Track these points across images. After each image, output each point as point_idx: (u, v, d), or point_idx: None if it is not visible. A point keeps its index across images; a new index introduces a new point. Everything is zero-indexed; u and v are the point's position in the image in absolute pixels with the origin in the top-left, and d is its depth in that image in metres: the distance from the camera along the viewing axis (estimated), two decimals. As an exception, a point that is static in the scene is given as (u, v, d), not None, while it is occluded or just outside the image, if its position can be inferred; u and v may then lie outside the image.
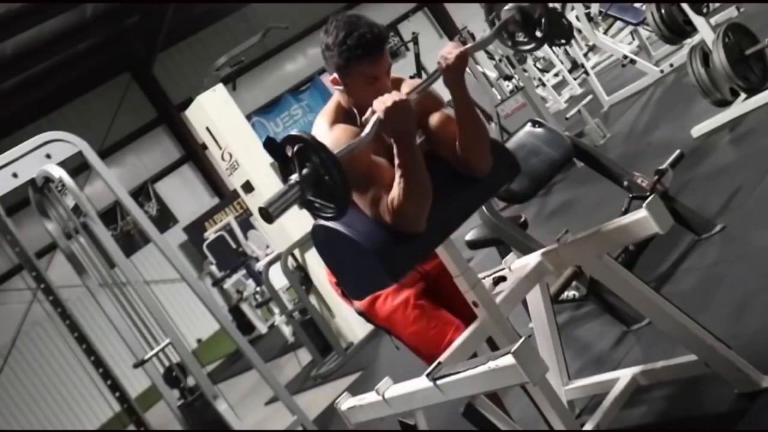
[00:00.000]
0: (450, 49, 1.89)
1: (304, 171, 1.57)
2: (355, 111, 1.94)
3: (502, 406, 2.15)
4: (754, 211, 3.00)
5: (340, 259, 1.95)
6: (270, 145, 1.59)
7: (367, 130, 1.73)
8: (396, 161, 1.77)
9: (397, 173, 1.77)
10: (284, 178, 1.61)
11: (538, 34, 2.13)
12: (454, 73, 1.88)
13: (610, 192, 3.51)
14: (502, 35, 2.18)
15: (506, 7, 2.13)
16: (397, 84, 2.02)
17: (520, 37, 2.18)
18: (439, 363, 1.83)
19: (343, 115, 1.95)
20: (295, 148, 1.58)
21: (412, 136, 1.79)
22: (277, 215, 1.55)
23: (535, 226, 4.43)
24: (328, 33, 1.86)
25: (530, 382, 1.61)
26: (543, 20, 2.09)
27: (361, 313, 2.21)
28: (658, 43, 7.33)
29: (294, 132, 1.59)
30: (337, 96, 1.99)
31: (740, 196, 3.23)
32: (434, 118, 2.00)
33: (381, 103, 1.73)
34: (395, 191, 1.77)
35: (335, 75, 1.91)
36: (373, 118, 1.74)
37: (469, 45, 1.97)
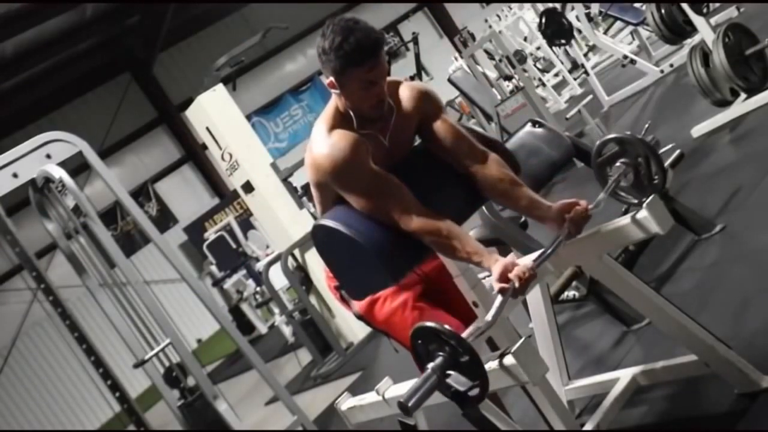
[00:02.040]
0: (579, 218, 1.91)
1: (439, 359, 1.57)
2: (352, 114, 1.93)
3: (502, 406, 2.15)
4: (754, 211, 3.00)
5: (340, 259, 1.95)
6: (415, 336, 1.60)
7: (494, 309, 1.70)
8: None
9: (441, 238, 1.80)
10: (421, 367, 1.61)
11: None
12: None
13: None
14: (617, 194, 2.15)
15: (617, 164, 2.11)
16: (394, 87, 2.02)
17: (631, 193, 2.14)
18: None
19: (341, 120, 1.95)
20: (428, 340, 1.59)
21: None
22: (417, 408, 1.55)
23: (535, 227, 4.42)
24: (325, 37, 1.86)
25: (530, 382, 1.61)
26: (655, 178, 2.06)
27: (359, 317, 2.20)
28: (658, 43, 7.33)
29: (428, 323, 1.58)
30: (334, 100, 1.99)
31: (740, 196, 3.23)
32: (437, 126, 2.00)
33: (516, 277, 1.72)
34: (417, 227, 1.80)
35: (332, 79, 1.90)
36: (501, 297, 1.72)
37: (591, 207, 1.95)
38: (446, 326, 1.55)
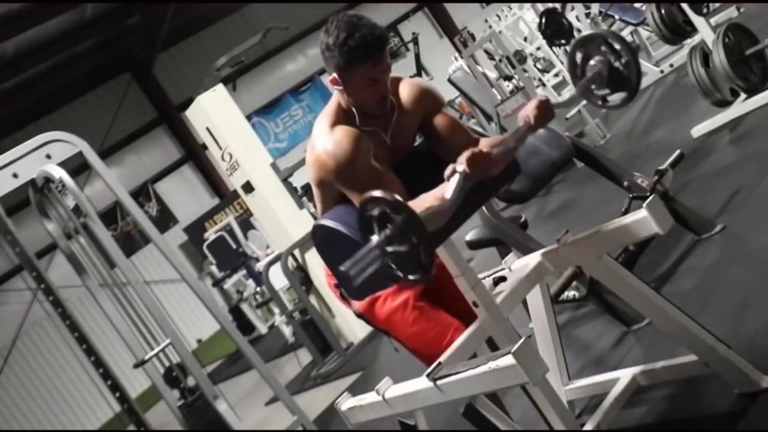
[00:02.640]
0: (534, 110, 1.90)
1: (386, 233, 1.53)
2: (354, 111, 1.93)
3: (502, 406, 2.15)
4: (754, 211, 3.00)
5: (341, 260, 1.94)
6: (362, 208, 1.56)
7: (451, 190, 1.69)
8: (448, 192, 1.72)
9: (430, 198, 1.75)
10: (365, 240, 1.56)
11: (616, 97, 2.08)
12: (538, 130, 1.92)
13: (610, 192, 3.52)
14: (590, 93, 2.12)
15: (592, 62, 2.08)
16: (395, 83, 2.02)
17: (607, 92, 2.12)
18: (439, 363, 1.83)
19: (343, 116, 1.95)
20: (376, 211, 1.54)
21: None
22: (358, 279, 1.51)
23: (535, 226, 4.43)
24: (329, 33, 1.85)
25: (530, 383, 1.61)
26: (630, 77, 2.04)
27: (360, 315, 2.20)
28: (658, 44, 7.33)
29: (375, 193, 1.54)
30: (336, 96, 1.98)
31: (740, 196, 3.23)
32: (439, 122, 2.01)
33: (464, 158, 1.72)
34: (420, 207, 1.77)
35: (335, 75, 1.90)
36: (456, 177, 1.71)
37: (555, 102, 1.95)
38: (395, 196, 1.52)
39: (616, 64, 2.04)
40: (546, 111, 1.92)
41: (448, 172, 1.74)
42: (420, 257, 1.52)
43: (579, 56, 2.11)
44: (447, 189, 1.70)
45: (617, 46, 2.03)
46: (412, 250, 1.52)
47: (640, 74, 2.05)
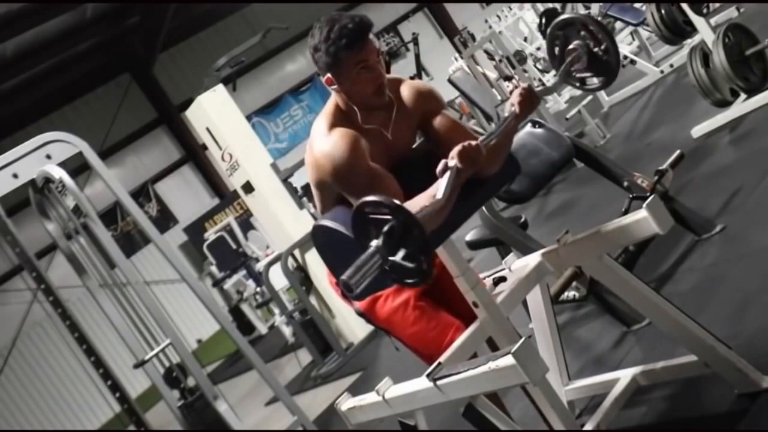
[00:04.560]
0: (518, 98, 1.90)
1: (384, 237, 1.50)
2: (355, 108, 1.94)
3: (502, 406, 2.15)
4: (754, 211, 3.01)
5: (341, 260, 1.94)
6: (357, 215, 1.54)
7: (443, 187, 1.66)
8: (440, 190, 1.69)
9: (424, 198, 1.73)
10: (363, 247, 1.54)
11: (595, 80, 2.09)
12: (525, 117, 1.92)
13: (610, 192, 3.52)
14: (570, 77, 2.14)
15: (570, 46, 2.10)
16: (396, 84, 2.03)
17: (588, 75, 2.13)
18: (439, 363, 1.83)
19: (341, 117, 1.95)
20: (372, 213, 1.52)
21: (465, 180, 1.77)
22: (360, 287, 1.48)
23: (535, 227, 4.43)
24: (313, 36, 1.89)
25: (530, 383, 1.61)
26: (609, 59, 2.06)
27: (360, 314, 2.21)
28: (658, 44, 7.33)
29: (374, 197, 1.52)
30: (334, 97, 1.99)
31: (740, 196, 3.23)
32: (437, 121, 2.01)
33: (455, 152, 1.71)
34: (415, 208, 1.76)
35: (328, 75, 1.91)
36: (448, 173, 1.69)
37: (539, 89, 1.95)
38: (393, 200, 1.51)
39: (596, 49, 2.07)
40: (530, 97, 1.92)
41: (440, 168, 1.72)
42: (421, 261, 1.50)
43: (558, 39, 2.15)
44: (439, 187, 1.68)
45: (595, 31, 2.06)
46: (412, 254, 1.50)
47: (618, 58, 2.08)
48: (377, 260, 1.50)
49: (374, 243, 1.51)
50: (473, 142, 1.75)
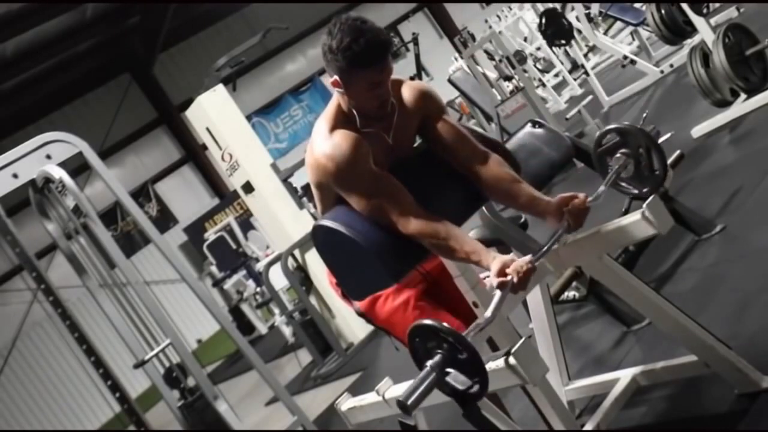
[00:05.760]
0: (578, 210, 1.89)
1: (437, 357, 1.54)
2: (355, 113, 1.93)
3: (502, 406, 2.15)
4: (754, 211, 3.01)
5: (341, 260, 1.95)
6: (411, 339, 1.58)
7: (494, 305, 1.69)
8: (491, 308, 1.71)
9: (439, 240, 1.79)
10: (419, 365, 1.58)
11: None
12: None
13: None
14: (618, 186, 2.12)
15: (617, 155, 2.08)
16: (396, 86, 2.02)
17: (632, 184, 2.12)
18: (440, 363, 1.83)
19: (343, 119, 1.95)
20: (425, 338, 1.56)
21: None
22: (415, 407, 1.52)
23: (535, 227, 4.42)
24: (332, 36, 1.83)
25: (530, 383, 1.61)
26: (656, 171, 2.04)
27: (361, 314, 2.21)
28: (658, 44, 7.34)
29: (426, 321, 1.56)
30: (336, 98, 1.98)
31: (740, 196, 3.23)
32: (440, 129, 2.00)
33: (514, 272, 1.71)
34: (419, 226, 1.80)
35: (336, 78, 1.89)
36: (500, 292, 1.70)
37: (590, 201, 1.92)
38: (444, 324, 1.53)
39: (644, 164, 2.05)
40: (583, 215, 1.90)
41: (492, 281, 1.74)
42: (474, 382, 1.52)
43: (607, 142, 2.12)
44: (491, 303, 1.70)
45: (650, 148, 2.03)
46: (466, 374, 1.53)
47: (666, 172, 2.06)
48: (433, 379, 1.53)
49: (429, 363, 1.54)
50: (526, 265, 1.72)
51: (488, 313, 1.67)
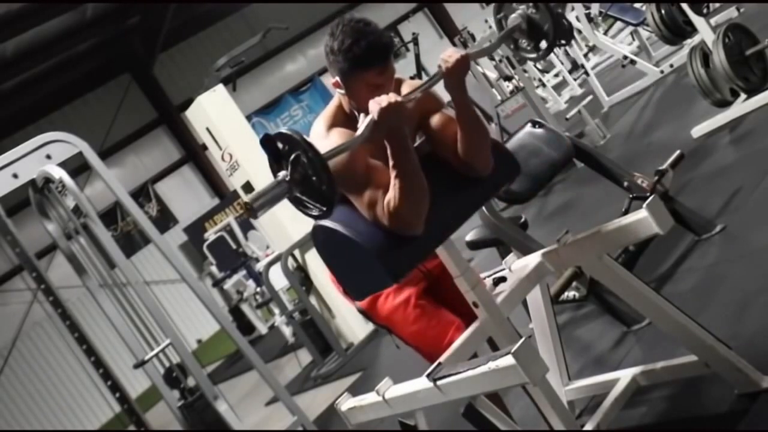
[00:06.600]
0: (451, 53, 1.89)
1: (292, 169, 1.57)
2: (356, 114, 1.93)
3: (502, 406, 2.15)
4: (754, 211, 3.01)
5: (341, 260, 1.95)
6: (266, 141, 1.60)
7: (360, 130, 1.73)
8: (390, 162, 1.76)
9: (392, 174, 1.76)
10: (274, 174, 1.61)
11: (543, 44, 2.13)
12: (454, 77, 1.89)
13: (610, 192, 3.52)
14: (508, 41, 2.18)
15: (513, 15, 2.13)
16: (397, 85, 2.02)
17: (525, 44, 2.18)
18: (440, 363, 1.83)
19: (342, 119, 1.95)
20: (286, 147, 1.58)
21: (405, 137, 1.78)
22: (262, 210, 1.56)
23: (535, 227, 4.43)
24: (335, 37, 1.84)
25: (530, 383, 1.61)
26: (548, 28, 2.09)
27: (362, 312, 2.22)
28: (658, 44, 7.33)
29: (285, 130, 1.59)
30: (337, 98, 1.98)
31: (740, 196, 3.23)
32: (435, 119, 2.00)
33: (376, 104, 1.72)
34: (391, 193, 1.76)
35: (337, 79, 1.90)
36: (367, 120, 1.73)
37: (470, 51, 1.96)
38: (303, 135, 1.57)
39: (535, 17, 2.12)
40: (465, 66, 1.91)
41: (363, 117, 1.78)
42: (324, 194, 1.57)
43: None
44: (359, 130, 1.74)
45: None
46: (317, 186, 1.57)
47: (560, 27, 2.12)
48: (284, 189, 1.58)
49: (282, 173, 1.59)
50: (393, 99, 1.74)
51: (357, 134, 1.73)
